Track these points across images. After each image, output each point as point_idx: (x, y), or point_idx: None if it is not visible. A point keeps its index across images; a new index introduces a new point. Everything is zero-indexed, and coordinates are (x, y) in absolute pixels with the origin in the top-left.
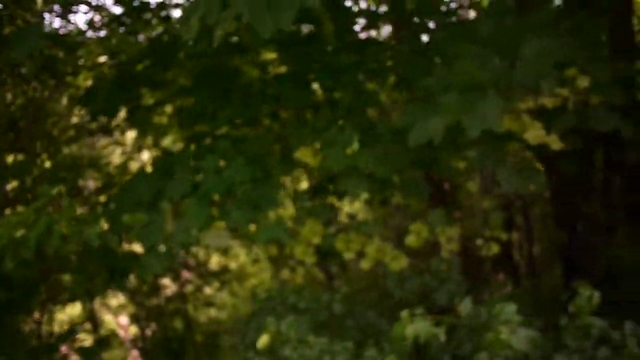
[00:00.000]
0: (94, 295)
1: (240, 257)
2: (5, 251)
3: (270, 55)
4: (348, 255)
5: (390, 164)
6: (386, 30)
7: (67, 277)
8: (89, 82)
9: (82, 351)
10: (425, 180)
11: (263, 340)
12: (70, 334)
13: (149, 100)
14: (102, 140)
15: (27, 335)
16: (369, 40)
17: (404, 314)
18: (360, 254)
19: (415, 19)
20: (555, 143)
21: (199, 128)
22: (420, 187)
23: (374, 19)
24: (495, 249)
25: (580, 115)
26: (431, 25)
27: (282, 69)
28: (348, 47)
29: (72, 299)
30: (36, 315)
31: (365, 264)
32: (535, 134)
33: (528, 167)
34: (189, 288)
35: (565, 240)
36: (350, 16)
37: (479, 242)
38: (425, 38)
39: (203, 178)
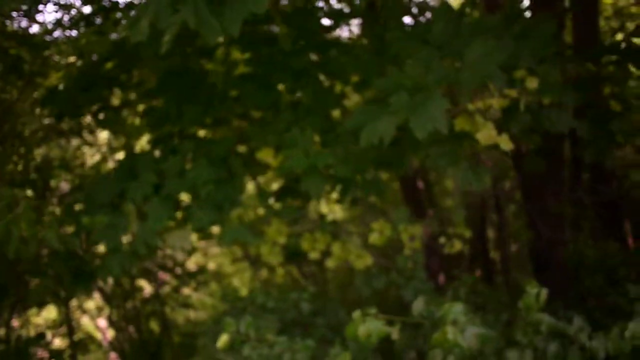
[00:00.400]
0: (67, 299)
1: (218, 257)
2: None
3: (237, 56)
4: (314, 255)
5: (351, 164)
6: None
7: (36, 281)
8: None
9: (53, 354)
10: (397, 179)
11: (222, 340)
12: (39, 338)
13: (118, 100)
14: (75, 141)
15: None
16: (331, 40)
17: (356, 314)
18: (326, 253)
19: (381, 20)
20: (505, 143)
21: (167, 129)
22: (381, 186)
23: (338, 20)
24: (458, 246)
25: (535, 116)
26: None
27: (247, 70)
28: (309, 47)
29: (42, 303)
30: (6, 318)
31: (330, 263)
32: (486, 134)
33: (481, 165)
34: (166, 289)
35: (534, 236)
36: (314, 17)
37: (442, 239)
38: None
39: (166, 179)
